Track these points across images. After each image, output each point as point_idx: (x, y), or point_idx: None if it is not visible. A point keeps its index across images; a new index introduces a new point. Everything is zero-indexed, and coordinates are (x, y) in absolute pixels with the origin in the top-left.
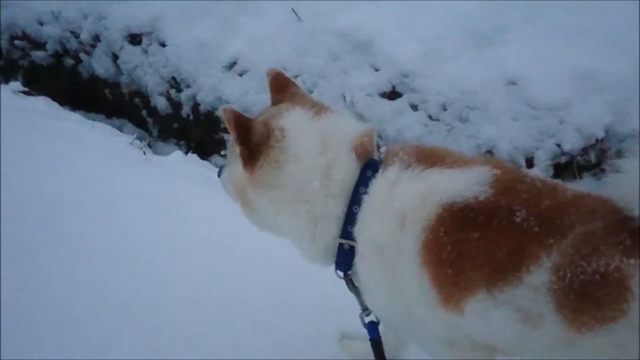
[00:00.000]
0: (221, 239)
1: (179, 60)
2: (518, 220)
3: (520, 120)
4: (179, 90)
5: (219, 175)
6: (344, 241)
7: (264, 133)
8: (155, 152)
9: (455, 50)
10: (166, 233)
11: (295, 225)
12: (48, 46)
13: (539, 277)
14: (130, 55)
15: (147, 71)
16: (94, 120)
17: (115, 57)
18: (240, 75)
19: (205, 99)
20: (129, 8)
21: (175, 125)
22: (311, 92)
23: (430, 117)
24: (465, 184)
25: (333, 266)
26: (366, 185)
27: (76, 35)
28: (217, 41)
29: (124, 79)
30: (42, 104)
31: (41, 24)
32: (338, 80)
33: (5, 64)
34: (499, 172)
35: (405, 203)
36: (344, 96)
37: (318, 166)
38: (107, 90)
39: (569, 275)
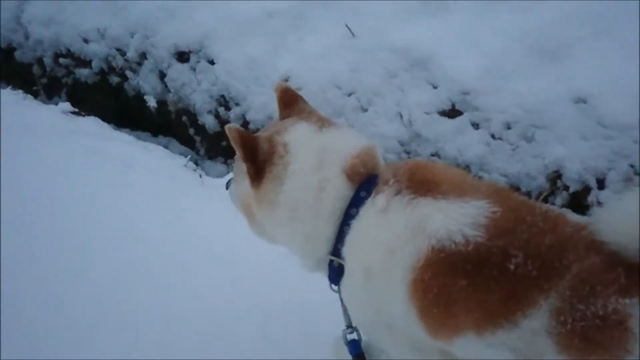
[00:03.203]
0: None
1: (229, 78)
2: (512, 267)
3: (591, 139)
4: (227, 108)
5: (227, 188)
6: (333, 258)
7: (268, 150)
8: (203, 170)
9: (520, 66)
10: (233, 256)
11: (292, 241)
12: (93, 64)
13: (537, 321)
14: (178, 73)
15: (195, 89)
16: (139, 138)
17: (162, 75)
18: None
19: (256, 117)
20: (177, 26)
21: (224, 143)
22: (366, 110)
23: (492, 136)
24: (458, 223)
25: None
26: (358, 207)
27: (122, 53)
28: (268, 58)
29: (171, 97)
30: (92, 124)
31: (86, 41)
32: (394, 98)
33: (49, 82)
34: (497, 211)
35: (394, 237)
36: (401, 114)
37: (311, 185)
38: (153, 106)
39: (570, 320)
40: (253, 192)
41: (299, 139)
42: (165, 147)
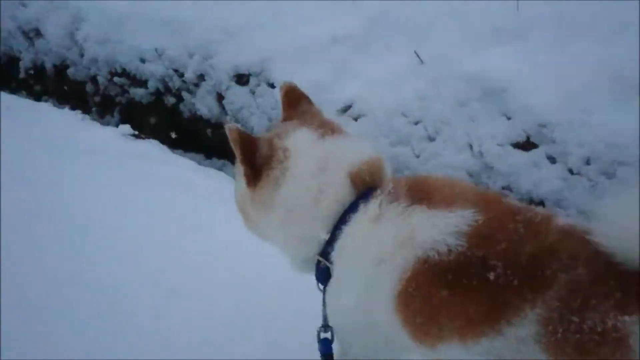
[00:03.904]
0: None
1: None
2: (492, 276)
3: None
4: None
5: None
6: (320, 259)
7: (267, 153)
8: None
9: (602, 99)
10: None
11: (285, 242)
12: (149, 84)
13: (523, 329)
14: (237, 96)
15: (253, 112)
16: (193, 160)
17: (220, 97)
18: (356, 119)
19: None
20: (237, 48)
21: None
22: (433, 139)
23: (570, 170)
24: (442, 233)
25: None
26: (354, 214)
27: (180, 73)
28: (331, 83)
29: (228, 119)
30: (151, 147)
31: (143, 61)
32: (464, 128)
33: (102, 100)
34: (480, 218)
35: (383, 246)
36: (471, 145)
37: (310, 188)
38: (209, 130)
39: (561, 330)
40: (249, 193)
41: (300, 146)
42: (220, 169)
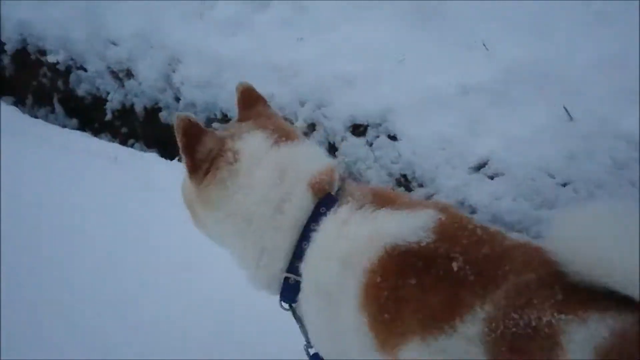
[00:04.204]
0: None
1: (414, 157)
2: (455, 268)
3: None
4: (409, 189)
5: None
6: (290, 275)
7: (213, 149)
8: None
9: None
10: None
11: (241, 251)
12: None
13: (472, 327)
14: (352, 147)
15: (370, 165)
16: None
17: (332, 148)
18: (491, 178)
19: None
20: (355, 97)
21: None
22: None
23: None
24: (410, 227)
25: (278, 297)
26: (317, 222)
27: (290, 121)
28: (463, 138)
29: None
30: None
31: None
32: (623, 192)
33: None
34: (443, 217)
35: (351, 244)
36: None
37: (271, 199)
38: None
39: (501, 327)
40: (195, 189)
41: (253, 150)
42: None
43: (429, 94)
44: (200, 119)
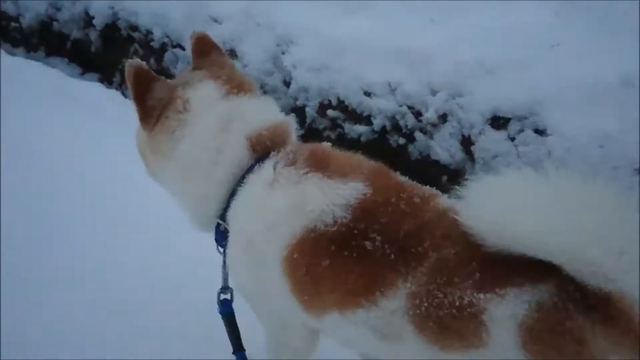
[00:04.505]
0: None
1: (568, 155)
2: (371, 248)
3: None
4: None
5: None
6: (220, 222)
7: (164, 97)
8: None
9: None
10: None
11: (183, 196)
12: (374, 121)
13: (394, 302)
14: (492, 142)
15: (512, 162)
16: None
17: (466, 142)
18: None
19: None
20: (497, 87)
21: None
22: None
23: None
24: (331, 203)
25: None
26: (251, 173)
27: (416, 111)
28: (623, 135)
29: (476, 168)
30: None
31: (369, 95)
32: None
33: (307, 133)
34: (368, 192)
35: (274, 212)
36: None
37: (209, 148)
38: (444, 177)
39: (425, 304)
40: (146, 136)
41: (202, 100)
42: None
43: (585, 85)
44: (313, 106)
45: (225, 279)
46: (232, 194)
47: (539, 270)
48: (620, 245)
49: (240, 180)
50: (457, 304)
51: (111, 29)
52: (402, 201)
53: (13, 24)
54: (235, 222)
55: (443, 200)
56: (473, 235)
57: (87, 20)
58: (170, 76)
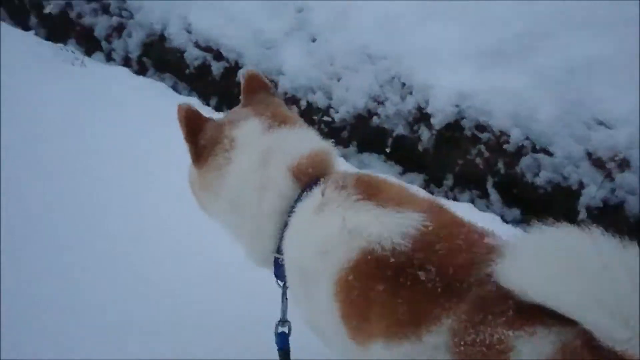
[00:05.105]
0: None
1: None
2: (424, 279)
3: None
4: None
5: None
6: (278, 256)
7: (213, 137)
8: None
9: None
10: None
11: (236, 233)
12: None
13: (438, 338)
14: None
15: None
16: None
17: None
18: None
19: None
20: None
21: None
22: None
23: None
24: (390, 231)
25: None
26: (299, 202)
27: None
28: None
29: None
30: None
31: None
32: None
33: None
34: (429, 224)
35: (329, 235)
36: None
37: (253, 182)
38: None
39: (462, 342)
40: (197, 174)
41: (246, 137)
42: None
43: None
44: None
45: (283, 311)
46: (284, 225)
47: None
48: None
49: (289, 211)
50: (487, 341)
51: (451, 129)
52: (459, 236)
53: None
54: (288, 252)
55: (498, 239)
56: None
57: (419, 116)
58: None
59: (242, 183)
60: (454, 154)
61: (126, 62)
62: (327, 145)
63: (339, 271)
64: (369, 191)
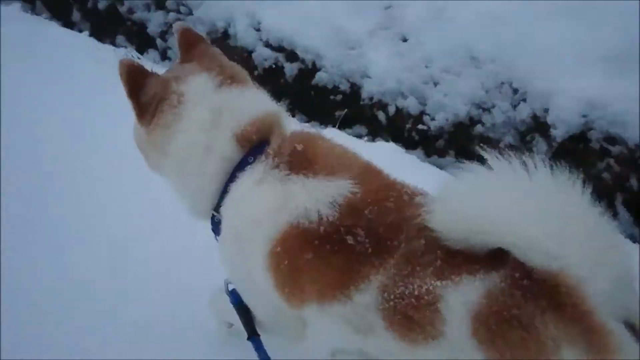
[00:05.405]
0: None
1: None
2: (352, 242)
3: None
4: None
5: None
6: (215, 214)
7: (157, 93)
8: None
9: None
10: None
11: (180, 189)
12: None
13: (368, 296)
14: None
15: None
16: None
17: None
18: None
19: None
20: None
21: None
22: None
23: None
24: (317, 201)
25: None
26: (242, 171)
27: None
28: None
29: None
30: None
31: None
32: None
33: None
34: (357, 191)
35: (261, 208)
36: None
37: (201, 143)
38: None
39: (392, 297)
40: (144, 132)
41: (196, 93)
42: None
43: None
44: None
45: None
46: (224, 189)
47: (492, 260)
48: (561, 223)
49: (231, 174)
50: (417, 292)
51: (575, 140)
52: (389, 198)
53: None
54: (227, 214)
55: (430, 197)
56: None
57: (533, 126)
58: None
59: (190, 142)
60: (575, 167)
61: None
62: (276, 107)
63: (269, 243)
64: (304, 161)
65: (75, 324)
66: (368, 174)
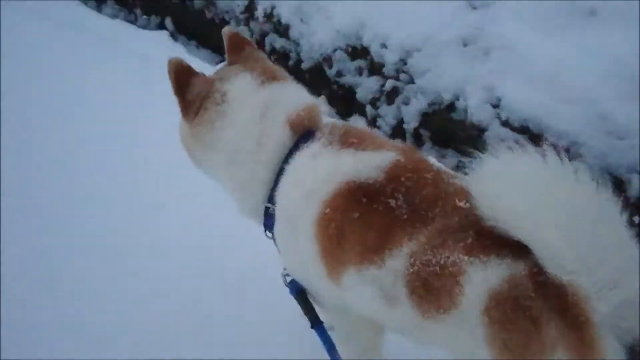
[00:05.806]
0: None
1: None
2: (393, 205)
3: None
4: None
5: None
6: (269, 205)
7: (201, 91)
8: None
9: None
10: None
11: (229, 184)
12: None
13: (398, 261)
14: None
15: None
16: None
17: None
18: None
19: None
20: None
21: None
22: None
23: None
24: (367, 166)
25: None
26: (298, 150)
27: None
28: None
29: None
30: None
31: None
32: None
33: None
34: (401, 159)
35: (314, 177)
36: None
37: (252, 134)
38: None
39: (418, 263)
40: (188, 129)
41: (240, 90)
42: None
43: None
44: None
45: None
46: (279, 172)
47: (521, 247)
48: (588, 239)
49: (285, 159)
50: (442, 262)
51: None
52: (429, 172)
53: None
54: (280, 199)
55: (466, 181)
56: (477, 207)
57: None
58: None
59: (242, 135)
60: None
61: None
62: (317, 101)
63: (318, 209)
64: (354, 139)
65: (76, 323)
66: (411, 152)
